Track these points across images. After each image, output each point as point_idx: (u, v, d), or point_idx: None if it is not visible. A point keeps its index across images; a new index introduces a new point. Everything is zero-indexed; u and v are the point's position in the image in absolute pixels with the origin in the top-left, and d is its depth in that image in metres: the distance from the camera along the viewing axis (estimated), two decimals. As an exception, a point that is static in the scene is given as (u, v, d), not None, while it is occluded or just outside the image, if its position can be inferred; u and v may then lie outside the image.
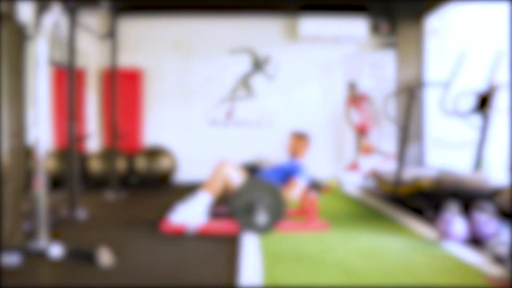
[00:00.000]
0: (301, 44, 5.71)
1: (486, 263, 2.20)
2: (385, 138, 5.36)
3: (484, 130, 3.50)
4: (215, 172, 3.05)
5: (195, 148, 5.68)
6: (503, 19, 3.29)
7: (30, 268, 2.15)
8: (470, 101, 3.55)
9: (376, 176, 4.40)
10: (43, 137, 2.36)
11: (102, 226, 3.17)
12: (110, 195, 4.40)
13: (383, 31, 5.59)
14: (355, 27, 5.47)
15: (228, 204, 2.88)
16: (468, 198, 2.93)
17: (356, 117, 5.41)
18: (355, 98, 5.41)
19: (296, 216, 3.34)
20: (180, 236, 2.79)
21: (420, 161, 5.27)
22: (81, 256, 2.24)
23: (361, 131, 5.37)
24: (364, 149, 5.32)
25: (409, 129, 3.85)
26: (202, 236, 2.78)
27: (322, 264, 2.23)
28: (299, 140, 3.36)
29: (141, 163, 5.18)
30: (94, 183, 4.99)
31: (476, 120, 3.56)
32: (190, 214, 2.90)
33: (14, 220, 2.27)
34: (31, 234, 2.34)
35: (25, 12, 2.36)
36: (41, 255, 2.24)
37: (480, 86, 3.54)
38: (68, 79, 3.46)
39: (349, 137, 5.54)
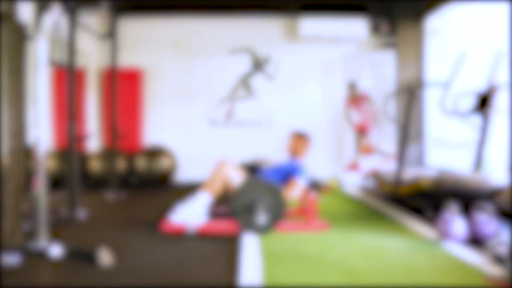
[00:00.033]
0: (301, 44, 5.71)
1: (486, 263, 2.20)
2: (385, 138, 5.36)
3: (484, 130, 3.50)
4: (215, 172, 3.05)
5: (195, 148, 5.68)
6: (503, 19, 3.29)
7: (30, 268, 2.15)
8: (470, 101, 3.55)
9: (376, 176, 4.40)
10: (43, 137, 2.36)
11: (102, 226, 3.17)
12: (110, 195, 4.40)
13: (383, 31, 5.59)
14: (355, 27, 5.47)
15: (228, 204, 2.88)
16: (468, 198, 2.93)
17: (356, 117, 5.41)
18: (355, 98, 5.41)
19: (296, 216, 3.34)
20: (180, 236, 2.79)
21: (420, 161, 5.28)
22: (81, 256, 2.24)
23: (361, 131, 5.37)
24: (364, 149, 5.33)
25: (409, 129, 3.85)
26: (202, 236, 2.78)
27: (322, 264, 2.23)
28: (300, 140, 3.36)
29: (141, 163, 5.18)
30: (94, 183, 4.99)
31: (476, 120, 3.56)
32: (190, 214, 2.90)
33: (14, 220, 2.28)
34: (31, 234, 2.34)
35: (25, 12, 2.36)
36: (41, 255, 2.24)
37: (480, 86, 3.54)
38: (68, 79, 3.46)
39: (349, 137, 5.54)
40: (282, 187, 3.06)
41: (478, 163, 3.51)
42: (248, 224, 2.81)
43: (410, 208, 3.62)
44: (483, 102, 3.48)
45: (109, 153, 4.66)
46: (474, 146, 3.57)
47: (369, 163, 5.18)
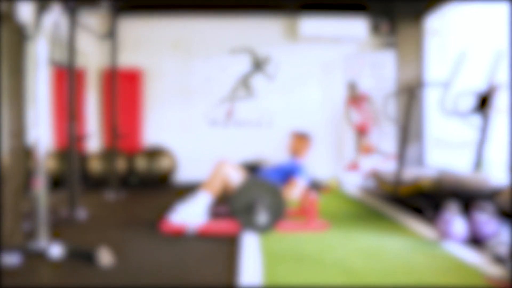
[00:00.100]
0: (301, 44, 5.71)
1: (486, 263, 2.20)
2: (385, 138, 5.36)
3: (484, 130, 3.49)
4: (214, 172, 3.05)
5: (195, 148, 5.68)
6: (503, 19, 3.29)
7: (30, 268, 2.14)
8: (470, 101, 3.55)
9: (376, 176, 4.40)
10: (43, 137, 2.36)
11: (102, 226, 3.17)
12: (110, 195, 4.40)
13: (383, 31, 5.59)
14: (355, 27, 5.48)
15: (228, 204, 2.88)
16: (468, 198, 2.93)
17: (356, 117, 5.41)
18: (355, 98, 5.41)
19: (296, 216, 3.34)
20: (180, 236, 2.79)
21: (420, 161, 5.27)
22: (81, 256, 2.24)
23: (361, 131, 5.37)
24: (364, 149, 5.32)
25: (409, 129, 3.85)
26: (202, 236, 2.78)
27: (322, 264, 2.23)
28: (300, 140, 3.36)
29: (141, 163, 5.18)
30: (94, 183, 4.99)
31: (476, 120, 3.55)
32: (190, 214, 2.90)
33: (14, 220, 2.28)
34: (31, 234, 2.34)
35: (25, 12, 2.36)
36: (41, 255, 2.24)
37: (480, 86, 3.54)
38: (68, 79, 3.46)
39: (349, 137, 5.54)
40: (282, 186, 3.06)
41: (478, 163, 3.51)
42: (248, 223, 2.81)
43: (410, 208, 3.62)
44: (483, 102, 3.47)
45: (109, 153, 4.66)
46: (474, 146, 3.57)
47: (369, 163, 5.18)
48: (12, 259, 2.16)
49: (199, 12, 5.64)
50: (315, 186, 3.12)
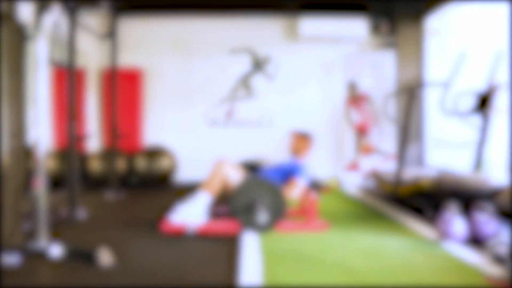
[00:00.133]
0: (301, 44, 5.71)
1: (486, 263, 2.20)
2: (385, 138, 5.36)
3: (484, 130, 3.50)
4: (213, 172, 3.05)
5: (195, 148, 5.68)
6: (503, 19, 3.29)
7: (30, 268, 2.14)
8: (470, 101, 3.55)
9: (376, 176, 4.40)
10: (43, 137, 2.36)
11: (102, 226, 3.17)
12: (110, 195, 4.40)
13: (383, 31, 5.59)
14: (355, 27, 5.48)
15: (228, 204, 2.88)
16: (468, 198, 2.93)
17: (356, 117, 5.41)
18: (355, 98, 5.41)
19: (296, 216, 3.34)
20: (180, 236, 2.79)
21: (420, 161, 5.27)
22: (81, 256, 2.24)
23: (361, 131, 5.37)
24: (364, 149, 5.32)
25: (409, 129, 3.85)
26: (202, 236, 2.78)
27: (322, 264, 2.23)
28: (301, 139, 3.36)
29: (141, 163, 5.18)
30: (94, 183, 4.99)
31: (476, 120, 3.55)
32: (190, 214, 2.90)
33: (14, 220, 2.28)
34: (31, 234, 2.34)
35: (25, 12, 2.36)
36: (41, 255, 2.24)
37: (480, 86, 3.54)
38: (68, 79, 3.46)
39: (349, 137, 5.54)
40: (282, 186, 3.06)
41: (478, 163, 3.51)
42: (248, 222, 2.81)
43: (410, 208, 3.62)
44: (483, 102, 3.47)
45: (109, 153, 4.66)
46: (474, 146, 3.57)
47: (369, 163, 5.18)
48: (12, 259, 2.16)
49: (199, 12, 5.64)
50: (315, 186, 3.12)
